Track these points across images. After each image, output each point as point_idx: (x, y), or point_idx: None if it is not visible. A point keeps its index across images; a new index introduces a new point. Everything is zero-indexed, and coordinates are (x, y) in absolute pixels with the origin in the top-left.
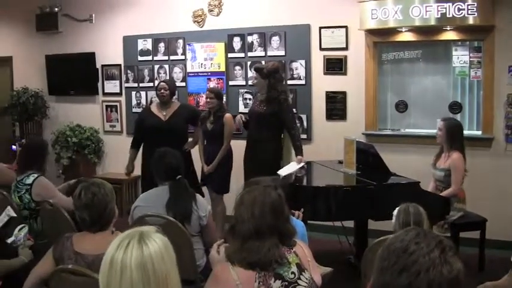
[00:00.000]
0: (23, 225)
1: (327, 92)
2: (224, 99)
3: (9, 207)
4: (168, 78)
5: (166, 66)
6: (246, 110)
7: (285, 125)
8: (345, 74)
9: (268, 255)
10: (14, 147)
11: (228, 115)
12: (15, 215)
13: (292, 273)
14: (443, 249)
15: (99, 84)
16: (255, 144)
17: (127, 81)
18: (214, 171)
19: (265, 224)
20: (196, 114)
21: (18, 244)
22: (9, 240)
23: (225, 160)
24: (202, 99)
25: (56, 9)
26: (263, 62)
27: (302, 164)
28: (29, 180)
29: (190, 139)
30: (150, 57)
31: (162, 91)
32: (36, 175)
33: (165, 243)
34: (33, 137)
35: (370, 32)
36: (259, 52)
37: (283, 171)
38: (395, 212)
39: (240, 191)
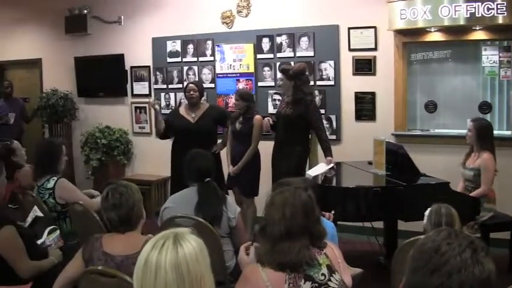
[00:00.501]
0: (53, 226)
1: (356, 92)
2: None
3: (35, 208)
4: (197, 79)
5: (195, 68)
6: (275, 111)
7: (311, 126)
8: (374, 74)
9: (298, 256)
10: None
11: (257, 117)
12: (41, 214)
13: (323, 274)
14: (475, 249)
15: (128, 86)
16: (282, 146)
17: (156, 82)
18: (241, 174)
19: (296, 225)
20: (225, 114)
21: (47, 245)
22: (39, 242)
23: (252, 162)
24: (231, 101)
25: (85, 11)
26: (292, 63)
27: (331, 165)
28: (50, 184)
29: (219, 141)
30: (179, 59)
31: (192, 92)
32: (56, 178)
33: (200, 245)
34: (43, 140)
35: (399, 32)
36: (288, 53)
37: (312, 172)
38: (426, 213)
39: (269, 192)
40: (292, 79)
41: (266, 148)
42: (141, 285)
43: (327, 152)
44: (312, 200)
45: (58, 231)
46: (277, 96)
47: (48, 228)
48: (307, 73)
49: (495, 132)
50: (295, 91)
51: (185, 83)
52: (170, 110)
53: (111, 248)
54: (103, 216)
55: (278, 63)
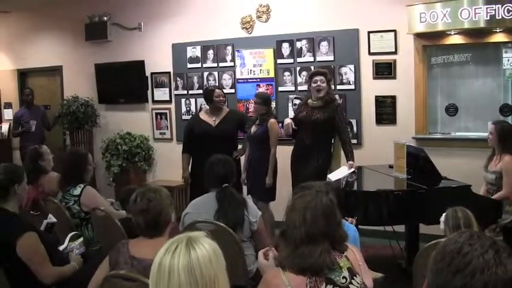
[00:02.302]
0: (75, 233)
1: (376, 96)
2: (273, 105)
3: (50, 215)
4: (217, 85)
5: (216, 73)
6: (300, 117)
7: (337, 129)
8: (394, 78)
9: (319, 260)
10: None
11: (272, 120)
12: (54, 220)
13: (344, 277)
14: (497, 250)
15: (149, 92)
16: (309, 151)
17: (176, 88)
18: (258, 179)
19: (317, 229)
20: (246, 119)
21: (69, 251)
22: (61, 248)
23: (267, 168)
24: (252, 106)
25: (105, 18)
26: (312, 68)
27: (353, 169)
28: (77, 191)
29: (240, 146)
30: (199, 65)
31: (221, 98)
32: (82, 185)
33: (214, 248)
34: (71, 149)
35: (419, 36)
36: (308, 58)
37: (333, 176)
38: (442, 218)
39: (290, 196)
40: (328, 82)
41: (283, 152)
42: None
43: (349, 156)
44: (333, 203)
45: (81, 238)
46: (297, 101)
47: (70, 235)
48: None
49: None
50: (328, 94)
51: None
52: (190, 116)
53: (138, 252)
54: (125, 223)
55: (298, 68)
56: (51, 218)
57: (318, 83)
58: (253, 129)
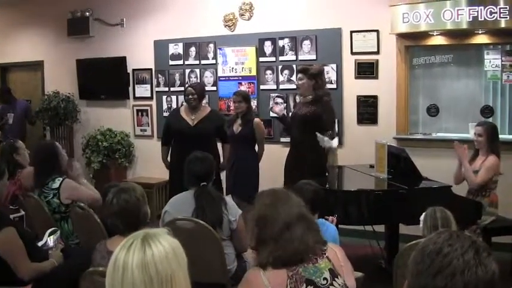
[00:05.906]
0: (54, 228)
1: (358, 96)
2: (255, 104)
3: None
4: (198, 82)
5: (197, 71)
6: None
7: (324, 125)
8: (376, 78)
9: (302, 242)
10: None
11: (257, 120)
12: (22, 213)
13: (325, 279)
14: (477, 250)
15: (130, 89)
16: (298, 149)
17: (158, 85)
18: (241, 180)
19: (292, 212)
20: (225, 124)
21: (49, 247)
22: (40, 243)
23: (251, 167)
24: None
25: (87, 13)
26: (294, 66)
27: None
28: (55, 185)
29: (219, 145)
30: (181, 62)
31: (190, 96)
32: (61, 178)
33: (173, 244)
34: (39, 143)
35: (402, 36)
36: (290, 56)
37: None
38: (422, 218)
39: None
40: (313, 78)
41: (267, 152)
42: (112, 284)
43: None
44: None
45: (58, 233)
46: (279, 100)
47: (49, 230)
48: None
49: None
50: (315, 90)
51: (187, 86)
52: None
53: (114, 247)
54: (105, 219)
55: (280, 67)
56: (20, 212)
57: (296, 81)
58: (236, 128)
